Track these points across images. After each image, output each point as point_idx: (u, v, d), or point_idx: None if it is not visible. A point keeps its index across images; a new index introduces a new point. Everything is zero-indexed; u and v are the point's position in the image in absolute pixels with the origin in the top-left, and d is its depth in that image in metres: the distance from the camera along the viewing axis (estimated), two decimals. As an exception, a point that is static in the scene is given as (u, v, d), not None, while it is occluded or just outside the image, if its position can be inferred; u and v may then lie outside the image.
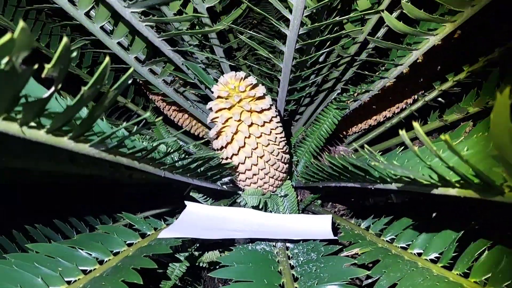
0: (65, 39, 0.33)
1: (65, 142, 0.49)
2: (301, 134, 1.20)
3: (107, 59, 0.38)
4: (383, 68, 1.19)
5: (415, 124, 0.35)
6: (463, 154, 0.48)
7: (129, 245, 0.87)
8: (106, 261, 0.81)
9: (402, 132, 0.37)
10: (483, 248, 0.73)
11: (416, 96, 1.39)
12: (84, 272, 0.77)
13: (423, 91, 1.37)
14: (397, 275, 0.74)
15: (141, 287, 0.69)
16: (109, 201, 1.32)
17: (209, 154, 0.74)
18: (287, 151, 0.98)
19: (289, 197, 1.05)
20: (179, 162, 0.77)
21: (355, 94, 1.15)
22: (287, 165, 1.01)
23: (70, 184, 1.49)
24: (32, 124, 0.43)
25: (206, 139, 0.91)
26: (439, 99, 1.36)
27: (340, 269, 0.73)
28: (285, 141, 0.95)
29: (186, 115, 1.50)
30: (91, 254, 0.81)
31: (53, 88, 0.38)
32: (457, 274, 0.73)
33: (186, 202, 1.02)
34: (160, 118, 0.70)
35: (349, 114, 1.38)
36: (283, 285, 0.74)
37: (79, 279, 0.75)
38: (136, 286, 0.71)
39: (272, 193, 1.07)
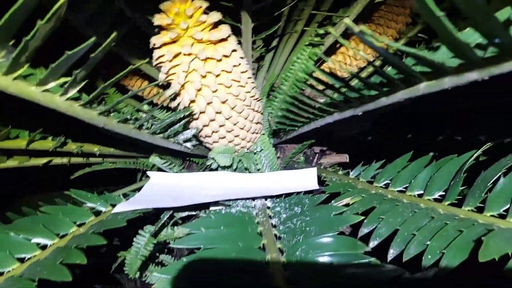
0: None
1: None
2: (275, 82, 1.05)
3: None
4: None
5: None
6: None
7: (80, 225, 0.73)
8: (51, 245, 0.67)
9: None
10: (498, 175, 0.61)
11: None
12: (22, 260, 0.63)
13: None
14: (397, 220, 0.62)
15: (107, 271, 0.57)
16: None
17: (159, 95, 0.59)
18: (257, 97, 0.83)
19: (266, 153, 0.91)
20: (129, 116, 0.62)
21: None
22: (259, 114, 0.87)
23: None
24: None
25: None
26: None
27: (329, 219, 0.60)
28: (254, 84, 0.80)
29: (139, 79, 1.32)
30: (30, 240, 0.67)
31: None
32: (468, 210, 0.61)
33: (148, 173, 0.88)
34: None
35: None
36: (264, 246, 0.61)
37: (13, 269, 0.61)
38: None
39: (246, 151, 0.93)
